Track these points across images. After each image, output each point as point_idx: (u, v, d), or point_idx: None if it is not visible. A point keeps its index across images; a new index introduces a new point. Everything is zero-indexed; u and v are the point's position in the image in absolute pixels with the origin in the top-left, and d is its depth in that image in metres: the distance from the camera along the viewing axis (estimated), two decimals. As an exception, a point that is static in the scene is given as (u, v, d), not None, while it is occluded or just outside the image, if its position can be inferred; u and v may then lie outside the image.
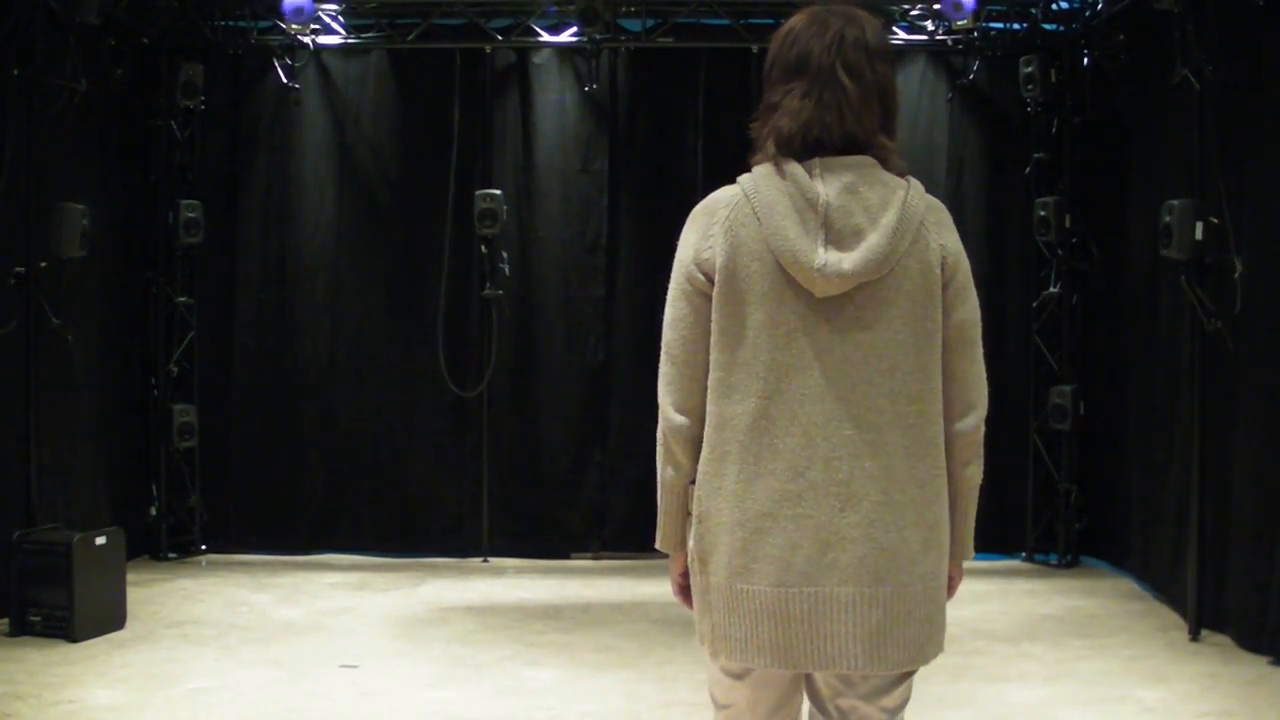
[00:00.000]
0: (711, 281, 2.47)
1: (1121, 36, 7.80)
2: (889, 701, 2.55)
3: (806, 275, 2.41)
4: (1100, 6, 7.84)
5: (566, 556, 8.49)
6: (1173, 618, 6.78)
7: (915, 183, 2.50)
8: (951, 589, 2.60)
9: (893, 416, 2.44)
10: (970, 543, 2.63)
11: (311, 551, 8.55)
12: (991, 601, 7.29)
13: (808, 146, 2.47)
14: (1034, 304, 8.41)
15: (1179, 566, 6.76)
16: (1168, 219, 6.43)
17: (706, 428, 2.50)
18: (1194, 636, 6.35)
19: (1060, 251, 8.28)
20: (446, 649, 6.30)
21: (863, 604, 2.41)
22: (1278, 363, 5.95)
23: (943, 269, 2.48)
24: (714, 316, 2.47)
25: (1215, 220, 6.26)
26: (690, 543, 2.57)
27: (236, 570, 8.08)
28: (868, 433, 2.43)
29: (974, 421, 2.59)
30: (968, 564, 2.65)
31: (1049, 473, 8.35)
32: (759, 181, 2.48)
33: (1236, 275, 6.09)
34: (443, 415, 8.57)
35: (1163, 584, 7.17)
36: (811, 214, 2.42)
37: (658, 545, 2.66)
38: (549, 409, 8.59)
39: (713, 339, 2.48)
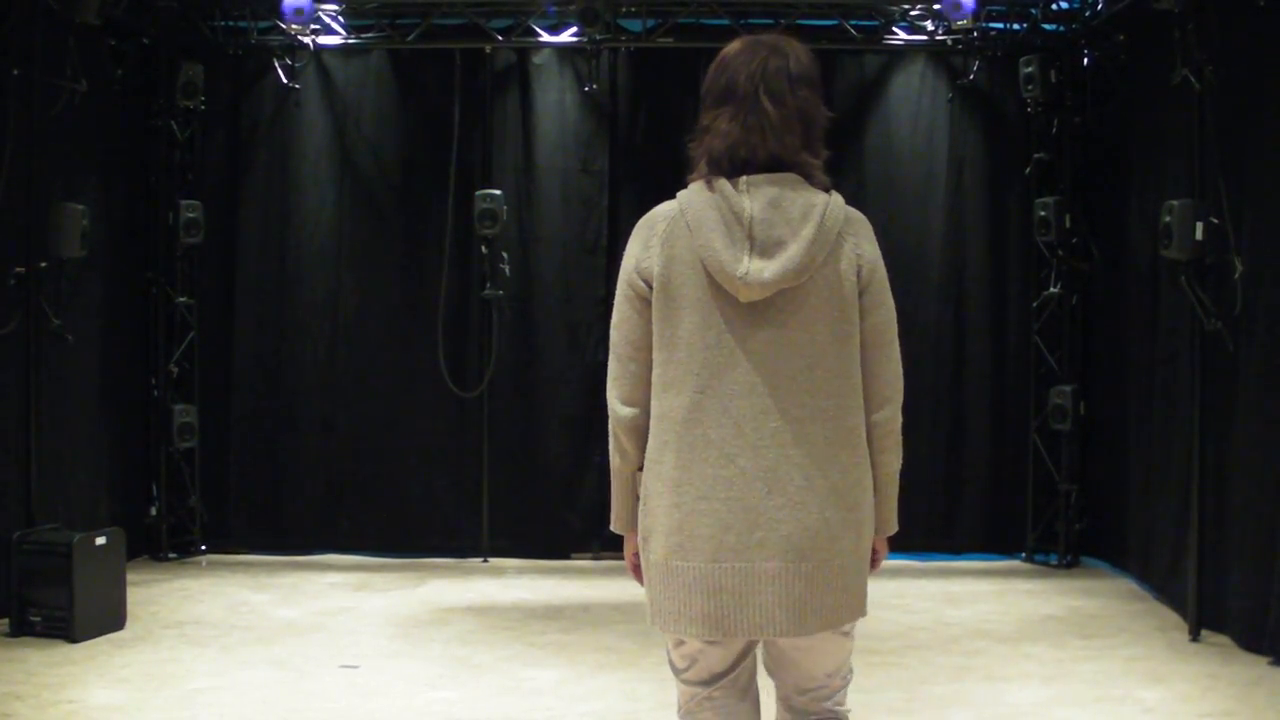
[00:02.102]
0: (651, 288, 2.76)
1: (1121, 36, 7.81)
2: (820, 651, 2.86)
3: (731, 283, 2.68)
4: (1100, 6, 7.84)
5: (566, 556, 8.49)
6: (1173, 618, 6.78)
7: (836, 196, 2.77)
8: (876, 562, 2.91)
9: (813, 409, 2.71)
10: (893, 520, 2.90)
11: (311, 551, 8.56)
12: (991, 601, 7.29)
13: (736, 165, 2.74)
14: (1034, 304, 8.41)
15: (1179, 566, 6.76)
16: (1168, 219, 6.43)
17: (650, 419, 2.80)
18: (1194, 636, 6.35)
19: (1060, 251, 8.28)
20: (446, 649, 6.30)
21: (787, 577, 2.69)
22: (1278, 363, 5.95)
23: (859, 275, 2.75)
24: (654, 321, 2.76)
25: (1215, 220, 6.26)
26: (639, 523, 2.86)
27: (236, 570, 8.08)
28: (791, 424, 2.70)
29: (890, 413, 2.82)
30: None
31: (1049, 473, 8.35)
32: (692, 197, 2.76)
33: (1236, 275, 6.09)
34: (443, 415, 8.57)
35: (1163, 584, 7.17)
36: (738, 226, 2.69)
37: (611, 527, 2.97)
38: (549, 409, 8.59)
39: (654, 340, 2.77)
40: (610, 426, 2.87)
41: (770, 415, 2.69)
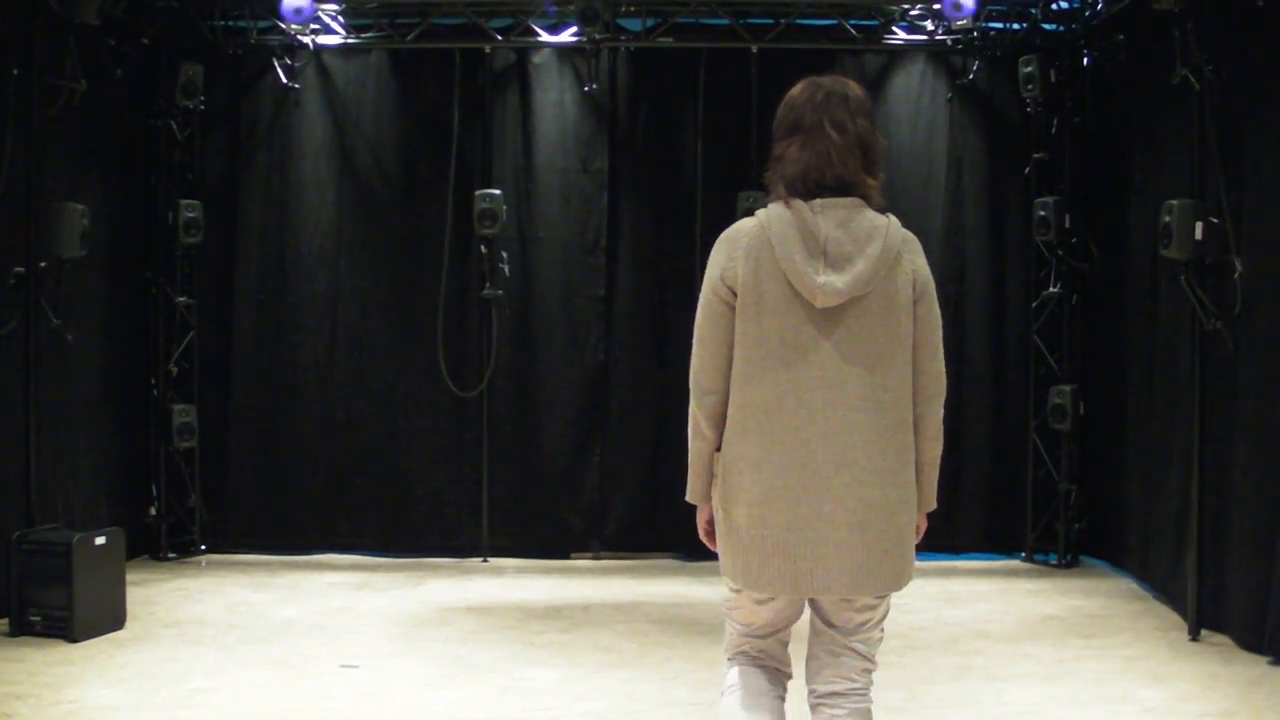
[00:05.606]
0: (734, 294, 3.15)
1: (1121, 36, 7.80)
2: (866, 606, 3.24)
3: (810, 291, 3.09)
4: (1100, 6, 7.84)
5: (566, 556, 8.49)
6: (1173, 618, 6.78)
7: (893, 219, 3.18)
8: (919, 533, 3.28)
9: (875, 402, 3.12)
10: (933, 498, 3.30)
11: (311, 551, 8.56)
12: (991, 601, 7.30)
13: (809, 188, 3.14)
14: (1034, 304, 8.41)
15: (1179, 566, 6.76)
16: (1168, 219, 6.43)
17: (731, 408, 3.17)
18: (1194, 636, 6.35)
19: (1060, 251, 8.28)
20: (446, 649, 6.30)
21: (851, 545, 3.10)
22: (1278, 363, 5.95)
23: (913, 288, 3.16)
24: (737, 321, 3.15)
25: (1215, 220, 6.26)
26: (716, 496, 3.22)
27: (236, 570, 8.08)
28: (855, 413, 3.10)
29: (935, 406, 3.23)
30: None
31: (1049, 473, 8.35)
32: (773, 217, 3.16)
33: (1236, 275, 6.09)
34: (443, 415, 8.56)
35: (1163, 584, 7.17)
36: (814, 243, 3.10)
37: (688, 498, 3.32)
38: (549, 409, 8.59)
39: (736, 338, 3.15)
40: (691, 411, 3.24)
41: (839, 406, 3.09)
